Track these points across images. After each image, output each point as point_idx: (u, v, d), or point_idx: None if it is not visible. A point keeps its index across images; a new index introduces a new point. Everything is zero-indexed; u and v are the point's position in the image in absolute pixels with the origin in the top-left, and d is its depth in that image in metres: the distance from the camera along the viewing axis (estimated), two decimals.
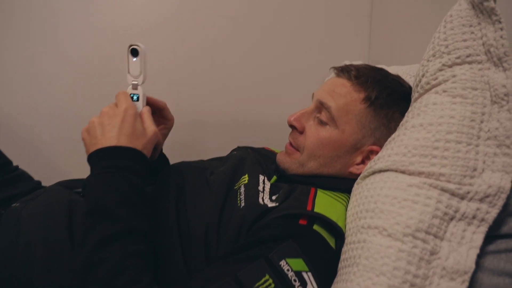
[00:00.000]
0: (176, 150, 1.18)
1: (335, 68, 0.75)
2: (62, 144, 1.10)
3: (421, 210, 0.52)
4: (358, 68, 0.72)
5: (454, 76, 0.57)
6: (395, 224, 0.52)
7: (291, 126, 0.74)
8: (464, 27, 0.57)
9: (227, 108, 1.22)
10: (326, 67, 1.23)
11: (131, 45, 0.64)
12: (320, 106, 0.71)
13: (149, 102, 0.69)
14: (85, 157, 0.59)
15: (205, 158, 1.18)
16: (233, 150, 0.96)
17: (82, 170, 0.68)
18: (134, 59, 0.64)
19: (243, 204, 0.63)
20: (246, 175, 0.71)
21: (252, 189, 0.67)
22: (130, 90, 0.65)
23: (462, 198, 0.52)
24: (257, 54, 1.20)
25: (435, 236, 0.51)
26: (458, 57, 0.57)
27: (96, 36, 1.09)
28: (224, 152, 1.13)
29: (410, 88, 0.73)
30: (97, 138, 0.58)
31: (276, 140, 1.23)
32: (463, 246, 0.51)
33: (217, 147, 1.22)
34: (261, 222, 0.60)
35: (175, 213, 0.64)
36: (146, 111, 0.65)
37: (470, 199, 0.52)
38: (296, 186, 0.68)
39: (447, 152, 0.54)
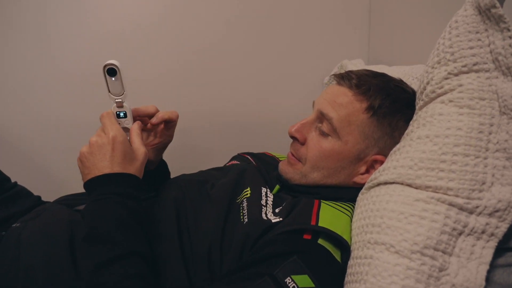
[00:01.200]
0: (174, 155, 1.17)
1: (335, 75, 0.73)
2: (60, 154, 1.09)
3: (429, 226, 0.50)
4: (359, 75, 0.70)
5: (460, 85, 0.55)
6: (403, 241, 0.51)
7: (292, 137, 0.73)
8: (470, 34, 0.54)
9: (225, 111, 1.20)
10: (324, 66, 1.21)
11: (106, 65, 0.62)
12: (321, 117, 0.70)
13: (164, 117, 0.69)
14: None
15: (204, 162, 1.18)
16: (233, 157, 0.95)
17: (81, 181, 0.68)
18: (113, 78, 0.63)
19: (246, 220, 0.62)
20: (248, 188, 0.69)
21: (255, 204, 0.65)
22: (115, 109, 0.65)
23: (471, 212, 0.51)
24: (254, 54, 1.18)
25: (444, 252, 0.50)
26: (464, 65, 0.55)
27: (92, 43, 1.06)
28: (223, 157, 1.12)
29: (414, 93, 0.71)
30: (90, 168, 0.59)
31: (275, 142, 1.22)
32: (472, 262, 0.49)
33: (216, 151, 1.21)
34: (265, 238, 0.59)
35: (177, 229, 0.63)
36: (134, 131, 0.64)
37: (479, 214, 0.51)
38: (299, 199, 0.67)
39: (455, 166, 0.52)
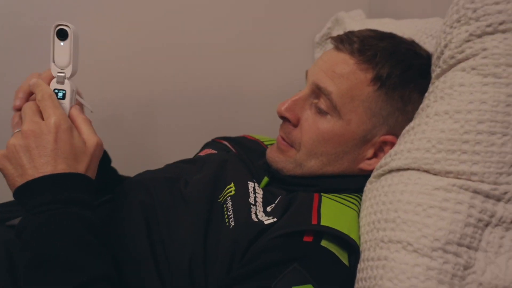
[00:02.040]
0: (132, 144, 1.18)
1: (332, 38, 0.76)
2: None
3: (451, 219, 0.56)
4: (362, 37, 0.73)
5: (484, 49, 0.60)
6: (422, 237, 0.56)
7: (282, 117, 0.76)
8: None
9: (193, 84, 1.20)
10: (315, 21, 1.24)
11: (58, 25, 0.61)
12: (318, 91, 0.73)
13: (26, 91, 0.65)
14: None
15: (169, 151, 1.20)
16: (206, 144, 0.97)
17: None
18: (62, 43, 0.62)
19: (232, 224, 0.66)
20: (232, 184, 0.73)
21: (242, 203, 0.69)
22: (54, 85, 0.63)
23: (498, 200, 0.57)
24: (226, 7, 1.18)
25: (469, 247, 0.56)
26: (489, 25, 0.59)
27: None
28: (193, 143, 1.14)
29: (429, 57, 0.75)
30: (24, 167, 0.56)
31: (257, 121, 1.25)
32: (501, 256, 0.56)
33: (184, 135, 1.22)
34: (258, 244, 0.63)
35: (147, 241, 0.66)
36: (80, 116, 0.62)
37: (508, 201, 0.57)
38: (295, 194, 0.71)
39: (479, 146, 0.57)
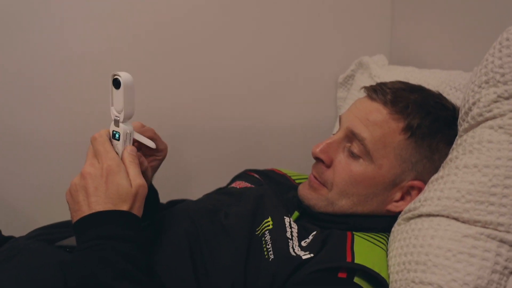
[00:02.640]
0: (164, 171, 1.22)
1: (366, 88, 0.82)
2: (16, 171, 1.12)
3: (480, 265, 0.61)
4: (394, 89, 0.79)
5: (511, 111, 0.66)
6: (452, 281, 0.61)
7: (317, 158, 0.81)
8: None
9: (224, 117, 1.25)
10: (341, 63, 1.31)
11: (113, 75, 0.67)
12: (352, 136, 0.79)
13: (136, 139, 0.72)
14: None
15: (199, 179, 1.25)
16: (238, 176, 1.02)
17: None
18: (116, 90, 0.67)
19: (272, 257, 0.70)
20: (270, 218, 0.77)
21: (280, 237, 0.74)
22: (112, 127, 0.69)
23: None
24: (258, 48, 1.24)
25: None
26: None
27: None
28: (221, 173, 1.19)
29: (454, 109, 0.81)
30: (79, 204, 0.63)
31: (282, 155, 1.31)
32: None
33: (212, 165, 1.27)
34: (296, 277, 0.68)
35: (192, 268, 0.70)
36: (126, 158, 0.67)
37: None
38: (330, 231, 0.76)
39: (506, 199, 0.63)
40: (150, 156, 0.79)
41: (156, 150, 0.78)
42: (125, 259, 0.60)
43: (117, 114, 0.69)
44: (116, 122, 0.69)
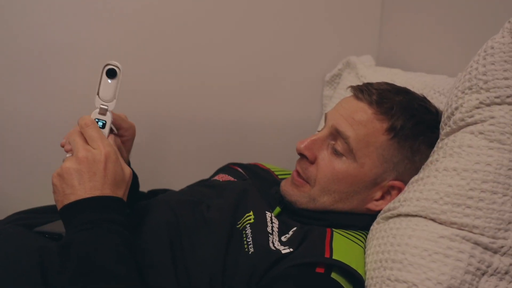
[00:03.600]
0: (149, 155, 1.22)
1: (352, 87, 0.83)
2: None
3: (454, 266, 0.63)
4: (380, 90, 0.80)
5: (492, 117, 0.67)
6: (426, 280, 0.63)
7: (301, 154, 0.82)
8: (506, 64, 0.67)
9: (210, 111, 1.25)
10: (327, 61, 1.32)
11: (108, 64, 0.68)
12: (336, 134, 0.80)
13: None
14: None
15: (183, 171, 1.25)
16: (222, 169, 1.02)
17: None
18: (110, 81, 0.68)
19: (252, 250, 0.71)
20: (251, 212, 0.78)
21: (261, 231, 0.74)
22: (95, 115, 0.70)
23: (495, 252, 0.64)
24: (246, 46, 1.25)
25: None
26: (497, 97, 0.67)
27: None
28: (207, 158, 1.18)
29: (437, 113, 0.83)
30: (74, 188, 0.63)
31: (268, 150, 1.31)
32: None
33: (198, 157, 1.27)
34: (275, 271, 0.68)
35: (171, 258, 0.71)
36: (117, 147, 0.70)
37: (504, 254, 0.64)
38: (310, 227, 0.77)
39: (482, 203, 0.65)
40: (119, 136, 0.79)
41: (123, 129, 0.78)
42: (124, 243, 0.62)
43: (105, 103, 0.69)
44: (104, 111, 0.70)
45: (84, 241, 0.60)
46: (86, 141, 0.67)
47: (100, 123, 0.69)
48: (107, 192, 0.64)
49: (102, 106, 0.69)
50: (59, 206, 0.64)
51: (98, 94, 0.69)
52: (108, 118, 0.70)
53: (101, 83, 0.68)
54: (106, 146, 0.66)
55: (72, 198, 0.63)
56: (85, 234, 0.61)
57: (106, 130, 0.70)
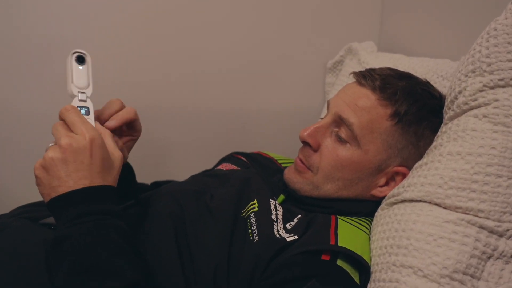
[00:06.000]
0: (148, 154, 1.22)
1: (355, 74, 0.83)
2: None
3: (459, 250, 0.63)
4: (383, 76, 0.80)
5: (496, 100, 0.67)
6: (431, 265, 0.63)
7: (304, 142, 0.82)
8: (510, 46, 0.66)
9: (211, 101, 1.25)
10: (329, 48, 1.31)
11: (75, 52, 0.68)
12: (339, 121, 0.79)
13: (123, 119, 0.72)
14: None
15: (186, 161, 1.25)
16: (225, 158, 1.02)
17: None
18: (81, 67, 0.69)
19: (256, 238, 0.71)
20: (255, 201, 0.78)
21: (265, 219, 0.74)
22: (76, 102, 0.68)
23: (501, 235, 0.64)
24: (245, 32, 1.24)
25: (473, 276, 0.63)
26: (501, 79, 0.67)
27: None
28: (209, 148, 1.18)
29: (441, 97, 0.82)
30: (61, 179, 0.60)
31: (270, 139, 1.31)
32: (500, 287, 0.63)
33: (200, 148, 1.27)
34: (280, 259, 0.69)
35: (176, 249, 0.71)
36: (107, 132, 0.67)
37: (509, 237, 0.64)
38: (315, 215, 0.77)
39: (487, 187, 0.64)
40: (127, 135, 0.78)
41: (134, 130, 0.78)
42: (120, 235, 0.61)
43: (82, 90, 0.69)
44: (83, 96, 0.69)
45: (79, 236, 0.58)
46: (68, 129, 0.63)
47: (82, 111, 0.68)
48: (97, 181, 0.62)
49: (80, 93, 0.69)
50: (46, 199, 0.61)
51: (72, 82, 0.69)
52: (89, 104, 0.69)
53: (73, 70, 0.68)
54: (89, 130, 0.62)
55: (61, 191, 0.60)
56: (79, 228, 0.59)
57: (91, 116, 0.68)
